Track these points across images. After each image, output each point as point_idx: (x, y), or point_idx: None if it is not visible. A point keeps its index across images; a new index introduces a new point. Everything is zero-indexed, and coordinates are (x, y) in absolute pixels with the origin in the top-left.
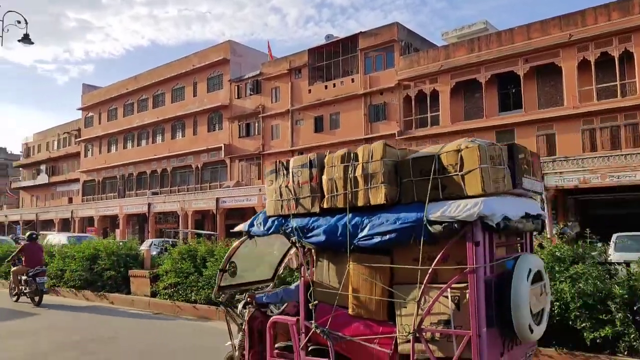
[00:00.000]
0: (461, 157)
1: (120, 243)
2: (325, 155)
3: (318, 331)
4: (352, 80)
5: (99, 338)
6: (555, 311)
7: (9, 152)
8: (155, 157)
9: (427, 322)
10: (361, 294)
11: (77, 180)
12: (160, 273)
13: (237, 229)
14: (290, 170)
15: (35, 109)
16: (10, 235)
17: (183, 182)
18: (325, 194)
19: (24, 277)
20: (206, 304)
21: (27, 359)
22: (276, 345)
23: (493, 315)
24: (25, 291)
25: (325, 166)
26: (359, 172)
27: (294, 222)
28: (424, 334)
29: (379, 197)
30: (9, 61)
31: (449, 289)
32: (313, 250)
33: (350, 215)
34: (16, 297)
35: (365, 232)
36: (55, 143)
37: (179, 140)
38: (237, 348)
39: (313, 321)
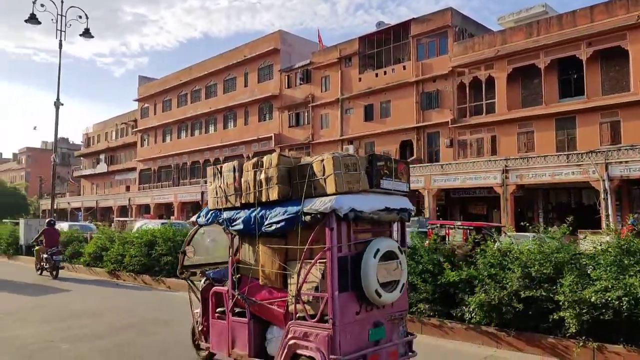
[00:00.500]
0: (323, 165)
1: (176, 229)
2: (244, 163)
3: (239, 297)
4: (404, 68)
5: (155, 320)
6: (624, 306)
7: (71, 142)
8: (208, 146)
9: (304, 288)
10: (266, 269)
11: (134, 169)
12: None
13: (190, 220)
14: (223, 174)
15: (94, 101)
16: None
17: None
18: (243, 192)
19: (44, 255)
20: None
21: (91, 337)
22: (217, 310)
23: (348, 283)
24: (45, 267)
25: (243, 171)
26: (262, 176)
27: (224, 214)
28: (302, 297)
29: (274, 194)
30: (70, 55)
31: (317, 263)
32: (237, 236)
33: (258, 208)
34: (40, 271)
35: (267, 221)
36: (114, 133)
37: (230, 130)
38: (197, 315)
39: (236, 290)
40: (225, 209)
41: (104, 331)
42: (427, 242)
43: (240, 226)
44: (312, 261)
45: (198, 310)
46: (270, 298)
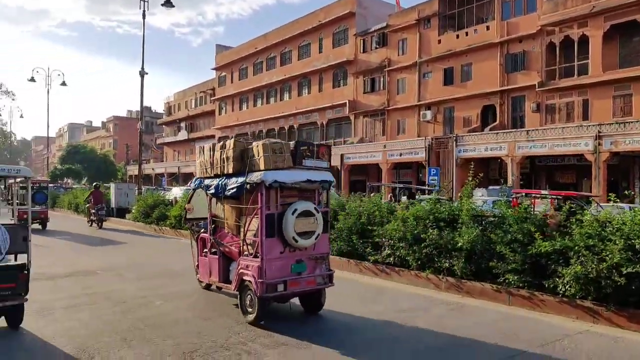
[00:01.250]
0: (258, 149)
1: None
2: (216, 145)
3: (213, 241)
4: (487, 28)
5: None
6: None
7: (154, 111)
8: (283, 114)
9: (249, 234)
10: (228, 221)
11: (212, 136)
12: None
13: (188, 185)
14: (204, 153)
15: (174, 71)
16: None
17: (309, 138)
18: (214, 166)
19: (92, 211)
20: (338, 256)
21: (181, 295)
22: (203, 251)
23: (275, 231)
24: (93, 219)
25: (215, 151)
26: (224, 155)
27: (205, 182)
28: (247, 240)
29: (229, 169)
30: (150, 26)
31: (255, 217)
32: (212, 197)
33: (223, 178)
34: (90, 223)
35: (227, 188)
36: (193, 102)
37: (304, 97)
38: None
39: (212, 236)
40: (205, 178)
41: (191, 290)
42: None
43: (213, 190)
44: (251, 216)
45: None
46: (231, 242)
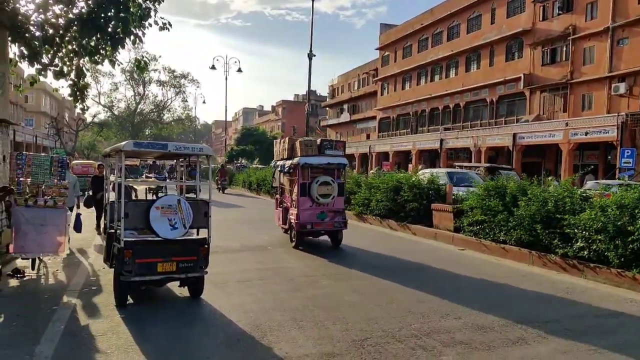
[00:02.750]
0: (297, 143)
1: (425, 177)
2: (281, 140)
3: (280, 199)
4: None
5: (408, 265)
6: None
7: (318, 95)
8: (448, 92)
9: (293, 195)
10: (286, 188)
11: (373, 117)
12: (464, 208)
13: (271, 164)
14: (277, 144)
15: (339, 54)
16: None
17: (476, 117)
18: (280, 153)
19: (219, 182)
20: (517, 246)
21: (348, 277)
22: (277, 206)
23: (306, 192)
24: (218, 187)
25: (281, 143)
26: (283, 147)
27: (278, 163)
28: (292, 199)
29: (285, 155)
30: (316, 11)
31: (296, 185)
32: (281, 173)
33: (283, 161)
34: (218, 189)
35: (285, 167)
36: (356, 83)
37: (473, 73)
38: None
39: (279, 197)
40: (278, 160)
41: (355, 273)
42: None
43: (279, 168)
44: (295, 184)
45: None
46: (288, 200)
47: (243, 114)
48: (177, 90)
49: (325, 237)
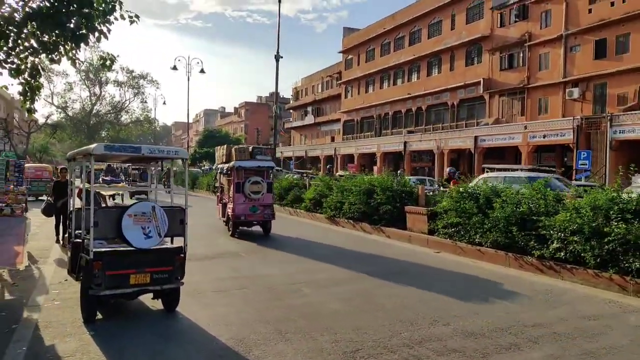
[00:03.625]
0: (232, 150)
1: (395, 179)
2: (224, 147)
3: (220, 197)
4: None
5: (388, 269)
6: None
7: (282, 97)
8: (410, 95)
9: (230, 193)
10: (225, 187)
11: (338, 120)
12: (438, 211)
13: (213, 167)
14: (218, 150)
15: (300, 57)
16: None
17: (438, 120)
18: (221, 158)
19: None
20: (493, 248)
21: (329, 283)
22: (218, 203)
23: (240, 190)
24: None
25: (220, 149)
26: (222, 152)
27: (219, 166)
28: (229, 197)
29: (224, 160)
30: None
31: (232, 184)
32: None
33: (222, 165)
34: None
35: (224, 170)
36: (320, 86)
37: (434, 77)
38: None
39: (219, 196)
40: (218, 164)
41: (339, 278)
42: None
43: (219, 170)
44: (232, 184)
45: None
46: (226, 197)
47: (204, 116)
48: (136, 91)
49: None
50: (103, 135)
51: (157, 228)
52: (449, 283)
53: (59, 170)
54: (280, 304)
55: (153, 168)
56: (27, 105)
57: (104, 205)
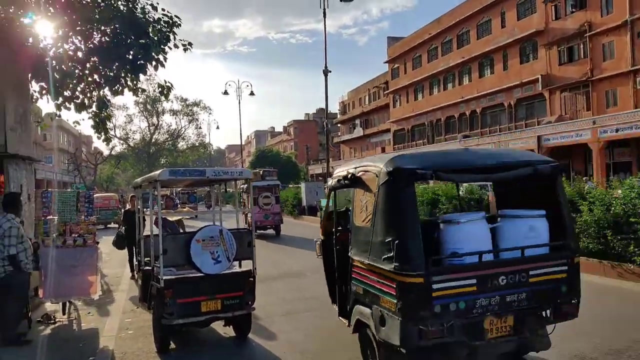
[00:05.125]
0: (257, 173)
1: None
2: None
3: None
4: None
5: None
6: None
7: (329, 112)
8: (463, 99)
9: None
10: (246, 202)
11: (387, 130)
12: None
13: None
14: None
15: (344, 72)
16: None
17: (494, 122)
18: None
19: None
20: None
21: None
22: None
23: (257, 204)
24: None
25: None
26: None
27: (241, 187)
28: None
29: (242, 182)
30: (319, 32)
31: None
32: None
33: (243, 186)
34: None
35: (244, 188)
36: (367, 98)
37: (487, 78)
38: None
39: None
40: (240, 185)
41: None
42: None
43: (242, 190)
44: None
45: None
46: (246, 208)
47: (255, 137)
48: (190, 118)
49: None
50: (162, 162)
51: (226, 252)
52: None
53: (128, 199)
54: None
55: (216, 190)
56: (102, 137)
57: (181, 231)
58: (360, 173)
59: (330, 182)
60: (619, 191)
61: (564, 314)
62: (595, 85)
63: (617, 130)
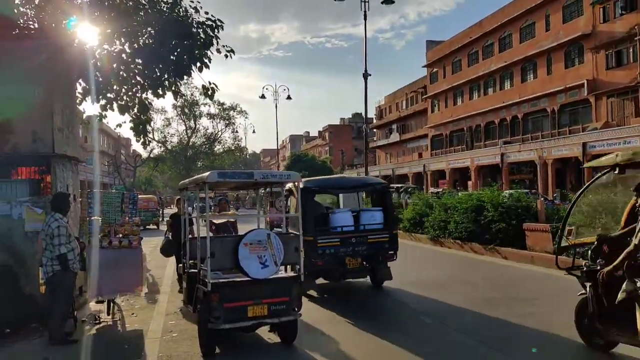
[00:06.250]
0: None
1: (506, 194)
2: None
3: None
4: None
5: (517, 297)
6: None
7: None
8: (504, 104)
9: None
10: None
11: (425, 136)
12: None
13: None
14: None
15: (381, 76)
16: None
17: (536, 128)
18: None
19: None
20: None
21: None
22: None
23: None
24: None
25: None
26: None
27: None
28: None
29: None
30: (355, 37)
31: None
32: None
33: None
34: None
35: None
36: (404, 103)
37: (529, 82)
38: None
39: None
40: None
41: (464, 306)
42: None
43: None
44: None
45: None
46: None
47: (290, 141)
48: (227, 122)
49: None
50: (199, 165)
51: (273, 256)
52: None
53: (175, 202)
54: (400, 336)
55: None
56: (141, 140)
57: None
58: (292, 188)
59: (284, 191)
60: None
61: (387, 257)
62: None
63: None
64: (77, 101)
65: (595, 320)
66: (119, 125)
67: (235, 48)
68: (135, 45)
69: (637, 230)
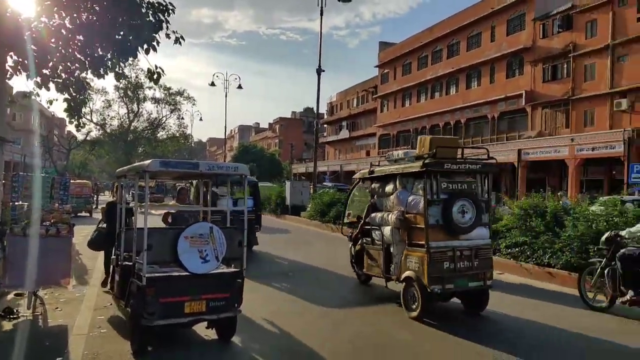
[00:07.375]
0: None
1: None
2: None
3: None
4: None
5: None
6: None
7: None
8: (449, 108)
9: None
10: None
11: (373, 134)
12: (499, 229)
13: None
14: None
15: (333, 72)
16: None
17: (477, 133)
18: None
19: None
20: (566, 270)
21: None
22: None
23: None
24: None
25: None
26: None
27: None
28: None
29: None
30: (310, 31)
31: None
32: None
33: None
34: None
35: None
36: (355, 101)
37: (473, 90)
38: None
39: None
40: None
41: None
42: None
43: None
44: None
45: None
46: None
47: (239, 131)
48: (173, 107)
49: None
50: (140, 151)
51: (215, 251)
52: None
53: (114, 190)
54: (344, 331)
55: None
56: (75, 122)
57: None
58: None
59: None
60: (593, 207)
61: (255, 229)
62: (575, 104)
63: (593, 149)
64: (8, 75)
65: (352, 261)
66: (50, 103)
67: (186, 32)
68: (78, 20)
69: (364, 212)
